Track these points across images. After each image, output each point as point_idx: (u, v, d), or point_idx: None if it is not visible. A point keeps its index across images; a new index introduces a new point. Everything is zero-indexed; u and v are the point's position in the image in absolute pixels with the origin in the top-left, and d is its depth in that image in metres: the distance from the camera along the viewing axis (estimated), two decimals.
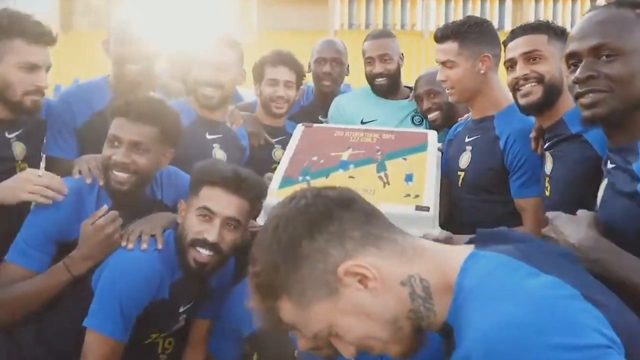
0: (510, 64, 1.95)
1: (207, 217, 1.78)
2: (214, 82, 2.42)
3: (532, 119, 1.99)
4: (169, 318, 1.91)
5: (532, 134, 1.98)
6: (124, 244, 1.81)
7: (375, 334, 1.02)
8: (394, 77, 2.94)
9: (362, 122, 2.85)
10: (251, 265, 1.07)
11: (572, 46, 1.38)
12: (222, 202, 1.78)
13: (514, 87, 1.92)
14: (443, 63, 2.23)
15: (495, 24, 33.90)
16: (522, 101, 1.90)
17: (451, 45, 2.21)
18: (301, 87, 3.06)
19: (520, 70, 1.90)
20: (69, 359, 1.75)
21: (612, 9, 1.36)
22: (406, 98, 2.95)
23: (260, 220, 2.12)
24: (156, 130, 1.92)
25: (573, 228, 1.33)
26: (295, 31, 31.62)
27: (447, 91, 2.29)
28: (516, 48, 1.92)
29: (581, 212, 1.39)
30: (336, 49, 3.04)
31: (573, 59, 1.38)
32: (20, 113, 2.06)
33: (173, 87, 2.81)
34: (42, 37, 2.03)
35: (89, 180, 1.96)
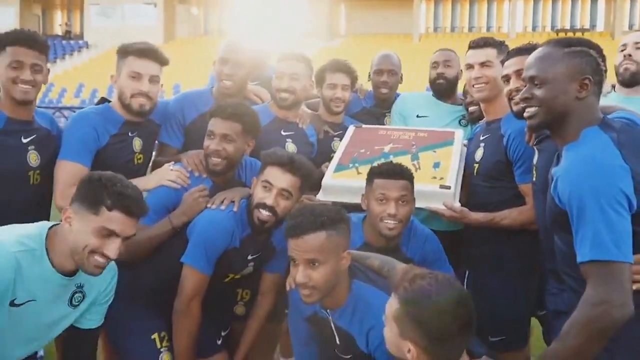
0: (506, 79, 2.48)
1: (268, 187, 2.42)
2: (288, 88, 3.05)
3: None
4: (240, 263, 2.56)
5: (526, 132, 2.49)
6: (210, 205, 2.49)
7: None
8: (451, 82, 3.43)
9: (417, 117, 3.37)
10: None
11: (523, 74, 1.97)
12: (278, 177, 2.41)
13: (509, 97, 2.45)
14: (482, 63, 2.77)
15: (587, 24, 32.74)
16: (515, 108, 2.40)
17: (492, 51, 2.78)
18: (367, 90, 3.68)
19: (513, 84, 2.43)
20: (173, 287, 2.44)
21: (548, 47, 1.90)
22: (460, 104, 3.44)
23: (319, 197, 2.77)
24: (240, 125, 2.58)
25: None
26: (381, 35, 32.12)
27: (480, 86, 2.76)
28: (510, 66, 2.46)
29: None
30: (391, 62, 3.58)
31: (524, 82, 1.96)
32: (133, 115, 2.73)
33: (262, 95, 3.42)
34: (145, 52, 2.71)
35: (189, 168, 2.65)
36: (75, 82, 26.21)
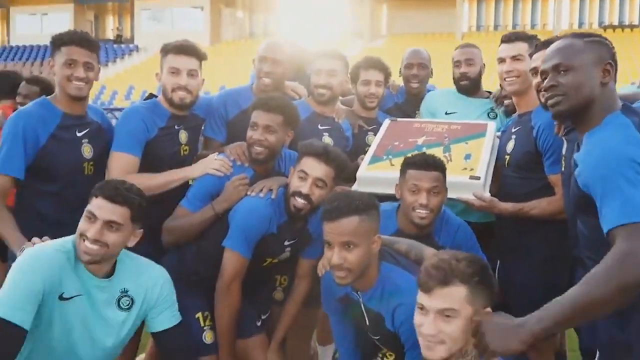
0: (535, 71, 2.54)
1: (303, 177, 2.56)
2: (325, 85, 3.20)
3: None
4: (277, 248, 2.71)
5: (555, 123, 2.55)
6: (249, 193, 2.65)
7: None
8: (475, 79, 3.52)
9: (445, 114, 3.47)
10: None
11: (542, 66, 2.00)
12: (313, 167, 2.55)
13: (538, 89, 2.52)
14: (513, 57, 2.86)
15: (636, 20, 31.74)
16: (543, 99, 2.47)
17: (524, 45, 2.86)
18: (400, 86, 3.80)
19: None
20: (216, 270, 2.60)
21: (568, 39, 1.96)
22: (486, 98, 3.54)
23: (354, 188, 2.90)
24: (280, 117, 2.73)
25: (494, 340, 1.70)
26: (424, 34, 31.93)
27: (512, 80, 2.86)
28: (538, 59, 2.48)
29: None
30: (421, 56, 3.70)
31: (544, 74, 1.99)
32: (176, 108, 2.91)
33: (299, 90, 3.59)
34: (182, 49, 2.88)
35: (232, 158, 2.81)
36: (126, 85, 26.97)
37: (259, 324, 2.85)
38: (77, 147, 2.75)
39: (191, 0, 35.03)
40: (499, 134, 3.06)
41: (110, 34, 40.24)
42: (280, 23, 33.94)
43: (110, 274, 2.27)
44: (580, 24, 32.55)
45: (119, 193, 2.19)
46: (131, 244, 2.30)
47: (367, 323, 2.37)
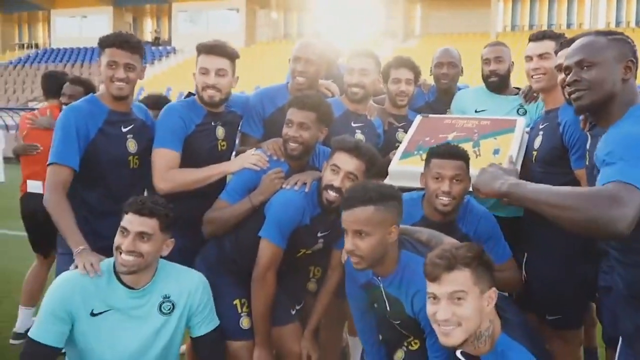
0: (559, 68, 2.58)
1: (336, 170, 2.67)
2: (358, 83, 3.31)
3: None
4: (310, 239, 2.83)
5: (582, 119, 2.61)
6: (284, 186, 2.77)
7: None
8: (504, 77, 3.59)
9: (475, 111, 3.54)
10: None
11: (566, 62, 2.07)
12: (345, 161, 2.66)
13: (563, 85, 2.57)
14: (540, 55, 2.93)
15: None
16: (567, 94, 2.54)
17: (551, 44, 2.93)
18: (431, 85, 3.88)
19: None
20: (252, 259, 2.73)
21: (591, 36, 2.03)
22: (515, 95, 3.61)
23: (386, 181, 2.99)
24: (314, 114, 2.84)
25: (482, 176, 2.03)
26: (458, 34, 31.69)
27: (539, 77, 2.94)
28: (563, 56, 2.56)
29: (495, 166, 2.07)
30: (451, 55, 3.80)
31: (567, 70, 2.06)
32: (207, 105, 3.03)
33: (332, 89, 3.71)
34: (210, 49, 3.00)
35: (268, 153, 2.94)
36: (164, 86, 27.41)
37: (293, 313, 2.96)
38: (122, 142, 2.90)
39: (227, 2, 35.43)
40: (528, 129, 3.12)
41: (148, 36, 40.90)
42: (313, 24, 34.11)
43: (149, 282, 2.47)
44: (618, 23, 31.84)
45: (146, 207, 2.40)
46: (165, 253, 2.49)
47: (388, 309, 2.47)
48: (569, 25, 32.38)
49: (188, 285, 2.55)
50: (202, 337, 2.59)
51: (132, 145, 2.94)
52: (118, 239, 2.39)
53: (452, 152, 2.67)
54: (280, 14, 38.00)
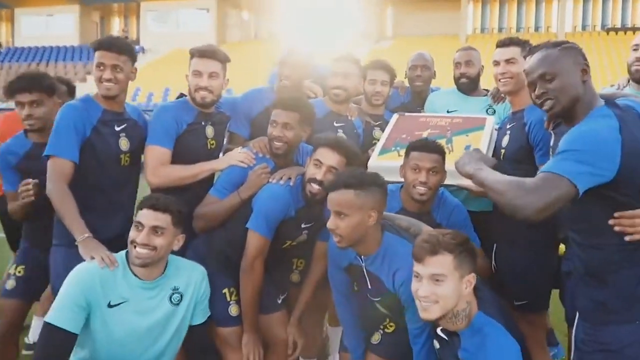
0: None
1: (318, 165, 2.84)
2: (341, 86, 3.49)
3: None
4: (295, 230, 3.00)
5: (545, 119, 2.82)
6: (271, 181, 2.94)
7: None
8: (474, 79, 3.81)
9: (447, 112, 3.74)
10: None
11: (529, 78, 2.27)
12: (327, 156, 2.84)
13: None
14: (507, 60, 3.14)
15: (638, 23, 31.81)
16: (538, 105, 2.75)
17: (517, 49, 3.15)
18: (407, 87, 4.09)
19: None
20: (241, 249, 2.88)
21: (544, 50, 2.24)
22: (484, 96, 3.83)
23: None
24: (298, 115, 3.00)
25: (463, 157, 2.33)
26: (429, 36, 32.17)
27: (505, 81, 3.15)
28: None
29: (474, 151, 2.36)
30: (424, 59, 4.03)
31: (532, 85, 2.25)
32: (199, 106, 3.17)
33: (316, 90, 3.89)
34: (204, 52, 3.15)
35: (255, 150, 3.11)
36: (132, 86, 27.23)
37: (279, 302, 3.13)
38: (115, 140, 3.02)
39: (197, 2, 35.29)
40: (497, 126, 3.33)
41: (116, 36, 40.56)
42: (285, 25, 34.20)
43: (161, 275, 2.64)
44: (584, 27, 32.75)
45: (160, 202, 2.56)
46: (176, 247, 2.65)
47: (369, 286, 2.67)
48: (536, 29, 33.17)
49: (194, 278, 2.72)
50: (197, 326, 2.75)
51: (124, 144, 3.05)
52: (133, 233, 2.53)
53: (430, 146, 2.88)
54: (251, 15, 38.02)
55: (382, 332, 2.84)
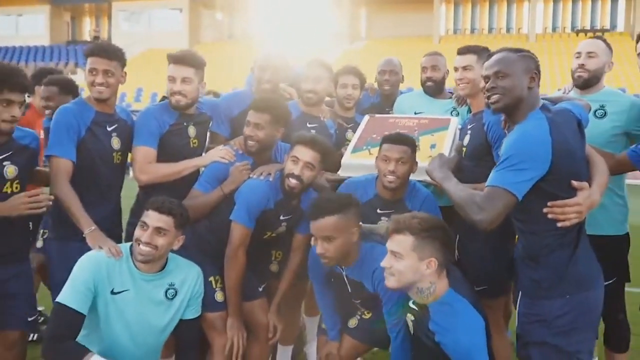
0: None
1: (295, 161, 3.08)
2: (312, 90, 3.74)
3: None
4: (274, 222, 3.23)
5: (502, 120, 3.10)
6: (251, 176, 3.17)
7: None
8: (439, 83, 4.10)
9: (415, 113, 4.00)
10: None
11: (484, 72, 2.57)
12: (303, 152, 3.07)
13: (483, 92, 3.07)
14: (464, 67, 3.40)
15: (607, 25, 32.63)
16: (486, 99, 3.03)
17: (473, 57, 3.40)
18: (376, 89, 4.36)
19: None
20: (225, 240, 3.10)
21: (505, 52, 2.54)
22: (449, 98, 4.10)
23: (340, 173, 3.45)
24: (269, 116, 3.22)
25: (432, 164, 2.65)
26: (402, 37, 32.57)
27: (463, 85, 3.42)
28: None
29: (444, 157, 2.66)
30: (392, 64, 4.32)
31: (487, 78, 2.55)
32: (174, 109, 3.38)
33: (290, 92, 4.12)
34: (176, 58, 3.34)
35: (235, 147, 3.34)
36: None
37: (260, 290, 3.35)
38: (107, 140, 3.23)
39: (169, 2, 35.16)
40: (460, 126, 3.61)
41: (87, 36, 40.19)
42: (259, 25, 34.29)
43: (160, 270, 2.87)
44: (554, 28, 33.47)
45: (164, 205, 2.79)
46: (176, 247, 2.87)
47: (350, 290, 2.97)
48: (508, 30, 33.78)
49: (190, 277, 2.96)
50: (188, 320, 2.98)
51: (116, 143, 3.26)
52: (138, 232, 2.76)
53: (399, 139, 3.15)
54: (225, 15, 38.00)
55: (359, 317, 3.12)
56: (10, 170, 2.90)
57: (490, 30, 33.76)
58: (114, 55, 3.20)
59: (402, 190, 3.19)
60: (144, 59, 30.40)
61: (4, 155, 2.88)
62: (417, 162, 3.17)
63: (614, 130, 3.37)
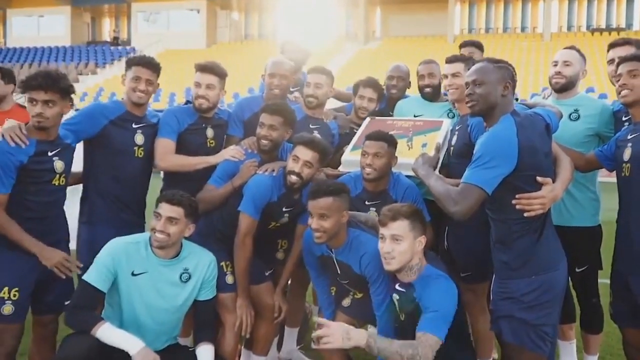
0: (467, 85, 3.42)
1: (296, 160, 3.44)
2: (313, 94, 4.12)
3: None
4: (278, 213, 3.59)
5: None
6: (258, 172, 3.53)
7: None
8: (436, 88, 4.39)
9: (414, 116, 4.30)
10: None
11: (465, 80, 2.90)
12: (303, 152, 3.43)
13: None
14: (453, 74, 3.76)
15: (623, 24, 32.42)
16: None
17: (461, 65, 3.76)
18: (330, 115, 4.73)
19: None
20: (234, 228, 3.48)
21: (484, 63, 2.87)
22: (446, 101, 4.42)
23: (340, 169, 3.82)
24: (281, 118, 3.60)
25: (417, 162, 2.99)
26: (417, 37, 32.73)
27: (452, 91, 3.80)
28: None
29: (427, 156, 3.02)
30: (400, 70, 4.61)
31: (467, 85, 2.88)
32: (197, 111, 3.84)
33: (296, 96, 4.51)
34: (202, 67, 3.82)
35: (244, 147, 3.71)
36: (123, 87, 27.65)
37: (267, 274, 3.72)
38: (131, 135, 3.67)
39: (187, 3, 35.63)
40: (451, 127, 3.93)
41: (107, 36, 40.86)
42: (275, 25, 34.63)
43: (176, 256, 3.24)
44: (569, 27, 33.46)
45: (175, 197, 3.16)
46: (188, 234, 3.23)
47: (339, 272, 3.33)
48: (523, 29, 33.75)
49: (202, 262, 3.30)
50: (203, 301, 3.34)
51: (139, 138, 3.70)
52: (153, 222, 3.14)
53: (377, 136, 3.51)
54: (241, 15, 38.45)
55: (352, 297, 3.46)
56: (59, 165, 3.27)
57: (505, 29, 33.84)
58: (155, 67, 3.71)
59: (384, 182, 3.55)
60: (162, 59, 30.38)
61: (55, 151, 3.27)
62: (396, 157, 3.52)
63: (587, 132, 3.69)
